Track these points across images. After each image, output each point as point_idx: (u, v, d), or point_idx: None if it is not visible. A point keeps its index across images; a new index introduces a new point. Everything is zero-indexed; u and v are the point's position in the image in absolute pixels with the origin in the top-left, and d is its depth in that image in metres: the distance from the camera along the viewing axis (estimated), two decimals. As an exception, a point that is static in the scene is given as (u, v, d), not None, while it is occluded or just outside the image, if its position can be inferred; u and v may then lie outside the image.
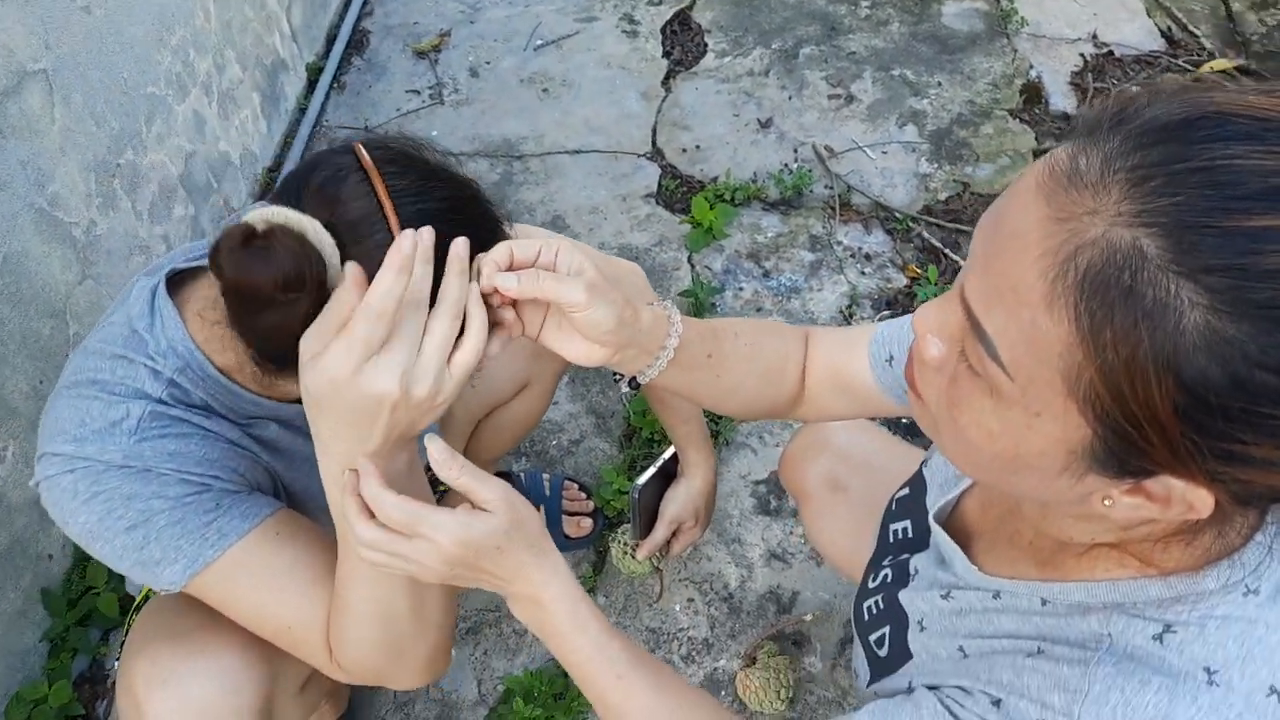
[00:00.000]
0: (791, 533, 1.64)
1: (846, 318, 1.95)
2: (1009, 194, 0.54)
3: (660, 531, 1.17)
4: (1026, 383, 0.53)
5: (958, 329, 0.58)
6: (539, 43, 2.67)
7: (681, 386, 0.91)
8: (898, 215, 2.13)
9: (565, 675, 1.47)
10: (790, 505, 1.67)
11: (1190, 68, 2.42)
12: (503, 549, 0.76)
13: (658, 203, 2.22)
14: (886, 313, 1.96)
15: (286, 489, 1.02)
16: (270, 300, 0.72)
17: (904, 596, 0.88)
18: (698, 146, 2.34)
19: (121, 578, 1.52)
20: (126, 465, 0.85)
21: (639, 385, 0.88)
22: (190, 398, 0.90)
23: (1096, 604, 0.65)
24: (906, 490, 0.98)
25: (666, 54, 2.61)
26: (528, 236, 0.79)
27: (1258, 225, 0.45)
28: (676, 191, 2.23)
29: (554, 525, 1.64)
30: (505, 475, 1.67)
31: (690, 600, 1.58)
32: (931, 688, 0.74)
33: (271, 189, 2.40)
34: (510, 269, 0.75)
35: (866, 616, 0.96)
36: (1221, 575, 0.60)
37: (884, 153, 2.29)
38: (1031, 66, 2.47)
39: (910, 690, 0.79)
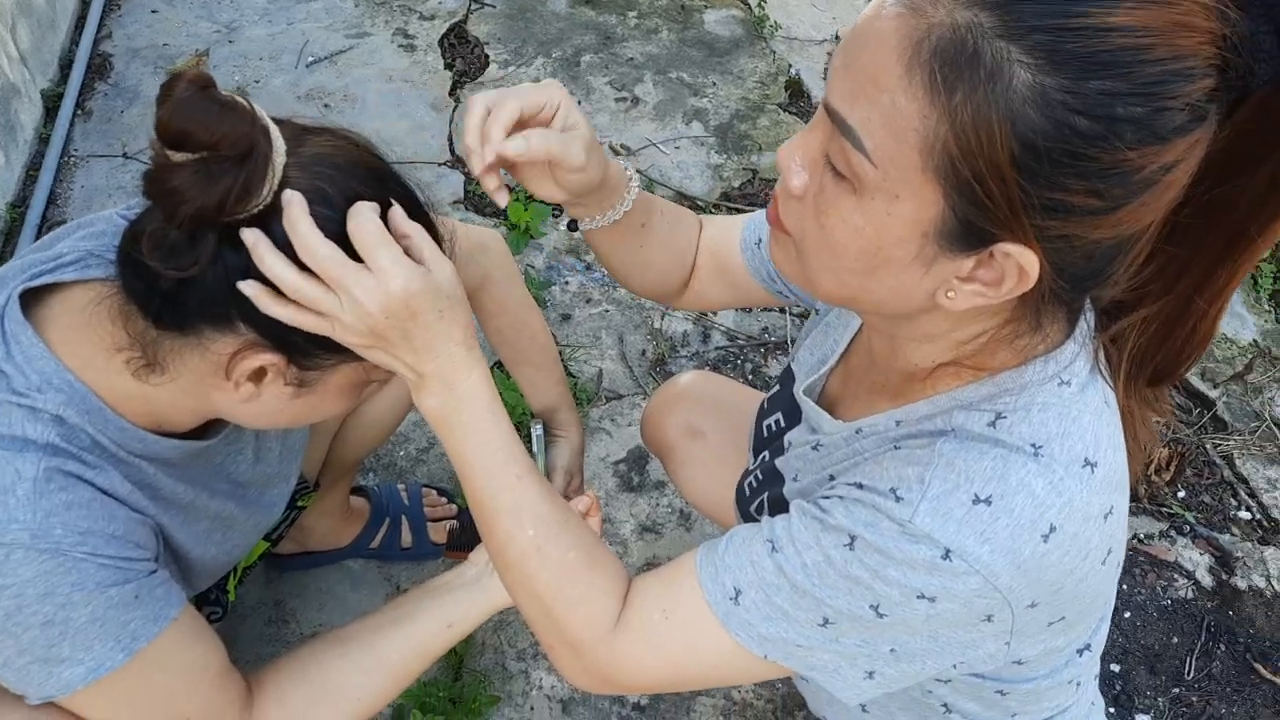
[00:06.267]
0: (658, 505, 1.68)
1: (671, 300, 2.03)
2: (864, 12, 0.62)
3: (559, 482, 1.18)
4: (888, 166, 0.60)
5: (819, 150, 0.65)
6: (311, 59, 2.56)
7: (606, 248, 0.97)
8: (700, 203, 2.25)
9: (458, 679, 1.41)
10: (652, 479, 1.71)
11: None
12: (444, 314, 0.74)
13: (467, 208, 2.20)
14: (706, 292, 2.06)
15: (169, 545, 0.94)
16: (200, 154, 0.67)
17: (779, 462, 0.95)
18: (497, 152, 2.34)
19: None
20: (35, 548, 0.75)
21: (577, 228, 0.92)
22: (78, 438, 0.81)
23: (939, 411, 0.74)
24: (777, 387, 1.05)
25: (448, 66, 2.59)
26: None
27: None
28: (485, 196, 2.22)
29: (418, 533, 1.57)
30: (360, 490, 1.58)
31: (571, 586, 1.57)
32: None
33: (19, 227, 2.14)
34: (518, 123, 0.78)
35: (748, 492, 1.01)
36: (1040, 369, 0.70)
37: (676, 148, 2.40)
38: (790, 65, 2.69)
39: None
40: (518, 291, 1.25)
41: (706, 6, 2.86)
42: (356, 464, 1.40)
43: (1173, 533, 1.73)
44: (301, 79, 2.50)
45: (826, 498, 0.73)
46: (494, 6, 2.80)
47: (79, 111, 2.38)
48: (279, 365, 0.80)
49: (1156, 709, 1.51)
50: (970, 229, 0.61)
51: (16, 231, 2.08)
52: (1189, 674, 1.54)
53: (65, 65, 2.49)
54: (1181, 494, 1.79)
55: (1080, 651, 0.84)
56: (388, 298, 0.71)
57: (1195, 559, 1.69)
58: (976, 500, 0.66)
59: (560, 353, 1.86)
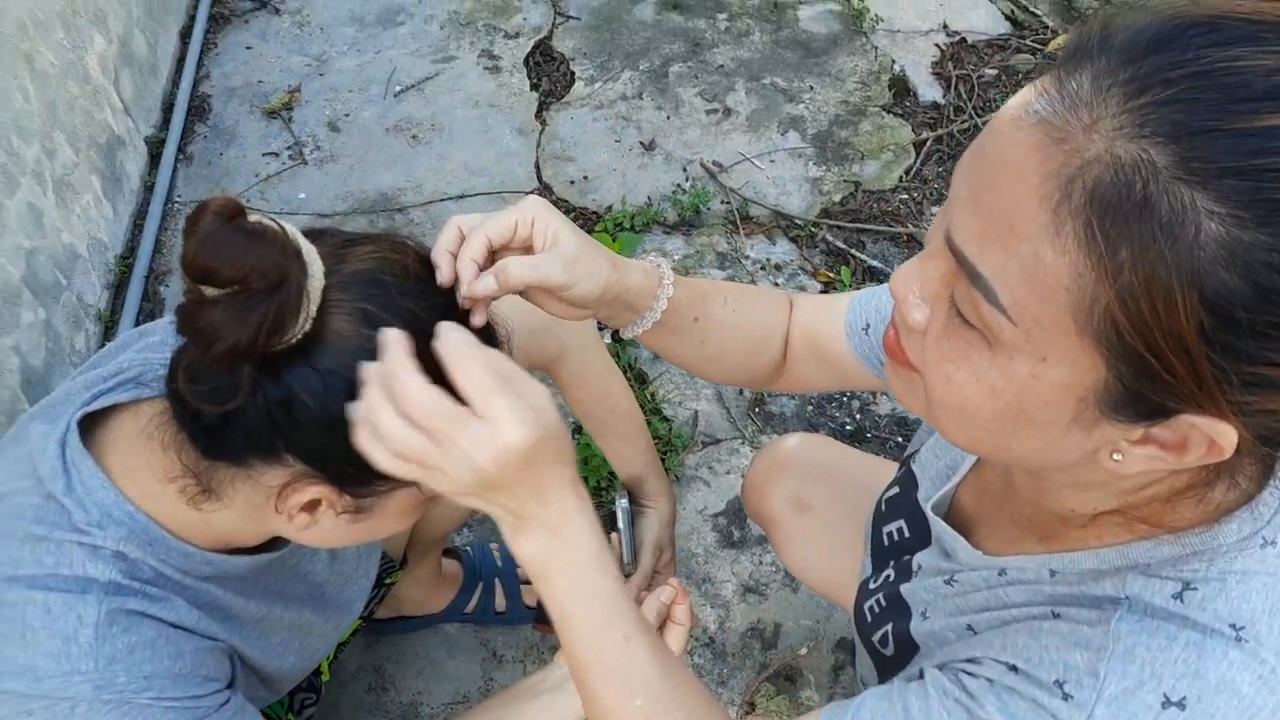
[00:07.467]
0: (761, 562, 1.58)
1: (770, 331, 1.92)
2: (990, 129, 0.50)
3: (648, 559, 1.12)
4: (1031, 325, 0.49)
5: (941, 284, 0.55)
6: (398, 88, 2.54)
7: (664, 348, 0.88)
8: (798, 222, 2.12)
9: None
10: (754, 534, 1.61)
11: (1039, 46, 2.53)
12: (557, 458, 0.66)
13: (556, 239, 2.14)
14: (807, 320, 1.94)
15: (245, 662, 0.92)
16: (230, 290, 0.63)
17: (905, 589, 0.84)
18: (585, 177, 2.27)
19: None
20: (99, 700, 0.73)
21: (620, 339, 0.85)
22: (140, 571, 0.79)
23: (1108, 569, 0.62)
24: (896, 489, 0.94)
25: (534, 86, 2.53)
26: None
27: (1268, 125, 0.42)
28: (573, 225, 2.16)
29: (512, 597, 1.52)
30: (451, 552, 1.54)
31: (670, 651, 1.50)
32: (940, 667, 0.69)
33: (127, 280, 2.14)
34: (489, 251, 0.72)
35: (869, 618, 0.91)
36: (1239, 528, 0.57)
37: (772, 161, 2.28)
38: (894, 61, 2.52)
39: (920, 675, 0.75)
40: (596, 361, 1.17)
41: (801, 2, 2.71)
42: (444, 538, 1.36)
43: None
44: (390, 110, 2.49)
45: (972, 675, 0.63)
46: (578, 19, 2.72)
47: (181, 157, 2.43)
48: (330, 496, 0.76)
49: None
50: (1143, 399, 0.49)
51: (125, 284, 2.13)
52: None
53: (166, 109, 2.55)
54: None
55: None
56: (505, 451, 0.62)
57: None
58: (1167, 703, 0.54)
59: (651, 394, 1.79)
